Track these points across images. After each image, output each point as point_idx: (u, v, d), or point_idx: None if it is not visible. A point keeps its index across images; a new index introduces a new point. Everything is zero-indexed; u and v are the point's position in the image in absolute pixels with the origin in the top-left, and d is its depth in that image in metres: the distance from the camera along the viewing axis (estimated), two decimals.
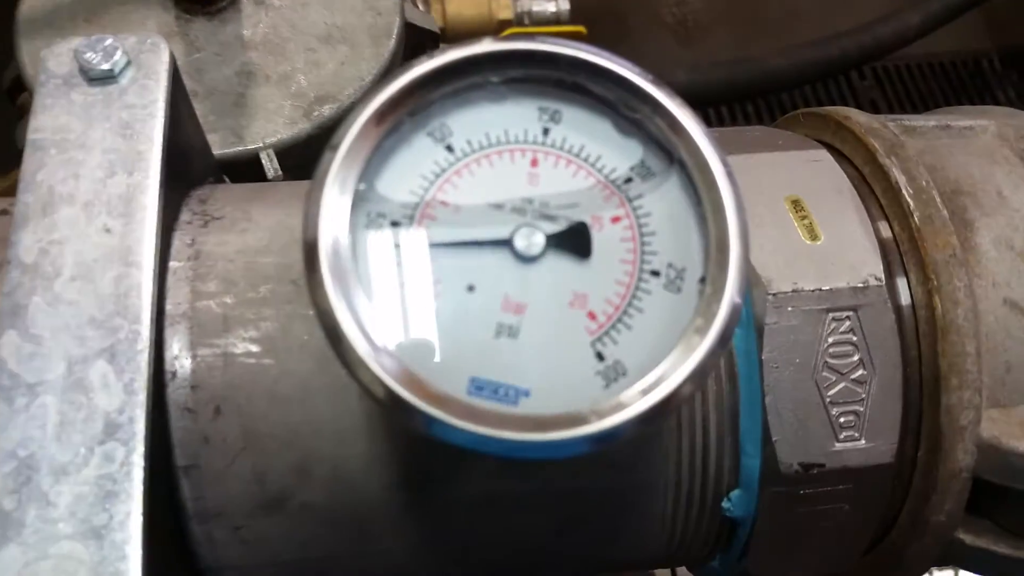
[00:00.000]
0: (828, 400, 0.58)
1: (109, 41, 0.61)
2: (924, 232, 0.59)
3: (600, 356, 0.42)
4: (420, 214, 0.44)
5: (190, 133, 0.68)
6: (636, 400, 0.40)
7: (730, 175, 0.43)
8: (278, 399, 0.55)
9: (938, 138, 0.66)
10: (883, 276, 0.58)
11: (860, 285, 0.58)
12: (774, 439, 0.57)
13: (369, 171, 0.44)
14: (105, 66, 0.61)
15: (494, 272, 0.43)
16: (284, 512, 0.56)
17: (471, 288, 0.43)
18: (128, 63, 0.62)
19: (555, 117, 0.46)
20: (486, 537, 0.59)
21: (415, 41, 0.92)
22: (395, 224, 0.43)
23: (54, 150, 0.59)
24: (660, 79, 0.44)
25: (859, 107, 2.05)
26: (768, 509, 0.59)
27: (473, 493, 0.57)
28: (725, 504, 0.60)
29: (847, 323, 0.58)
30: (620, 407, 0.40)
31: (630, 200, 0.45)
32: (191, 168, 0.67)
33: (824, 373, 0.58)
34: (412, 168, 0.45)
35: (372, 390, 0.39)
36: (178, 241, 0.59)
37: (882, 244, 0.61)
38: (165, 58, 0.62)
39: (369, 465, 0.55)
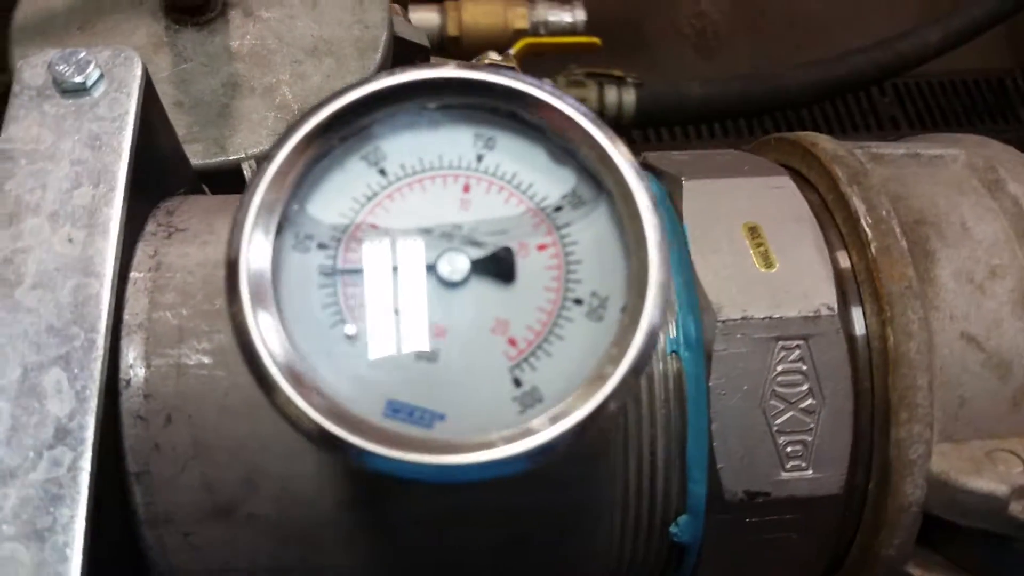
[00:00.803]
0: (775, 429, 0.58)
1: (83, 54, 0.63)
2: (880, 263, 0.59)
3: (517, 382, 0.43)
4: (348, 237, 0.44)
5: (163, 144, 0.69)
6: (544, 427, 0.40)
7: (654, 206, 0.44)
8: (227, 411, 0.56)
9: (906, 166, 0.65)
10: (836, 306, 0.58)
11: (811, 314, 0.58)
12: (719, 466, 0.58)
13: (301, 192, 0.45)
14: (78, 79, 0.62)
15: (417, 298, 0.44)
16: (233, 521, 0.57)
17: (395, 312, 0.43)
18: (101, 76, 0.63)
19: (490, 144, 0.46)
20: (434, 555, 0.60)
21: (405, 54, 0.93)
22: (322, 246, 0.44)
23: (24, 160, 0.60)
24: (592, 112, 0.45)
25: (879, 124, 2.03)
26: (715, 536, 0.59)
27: (420, 511, 0.58)
28: (673, 529, 0.60)
29: (797, 352, 0.58)
30: (528, 434, 0.40)
31: (558, 228, 0.45)
32: (164, 179, 0.68)
33: (772, 401, 0.58)
34: (344, 191, 0.45)
35: (283, 412, 0.40)
36: (141, 252, 0.61)
37: (839, 274, 0.61)
38: (137, 72, 0.64)
39: (319, 482, 0.56)
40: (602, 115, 1.54)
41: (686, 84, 1.72)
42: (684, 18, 2.02)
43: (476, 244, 0.45)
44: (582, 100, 1.61)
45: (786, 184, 0.63)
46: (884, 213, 0.60)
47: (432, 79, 0.45)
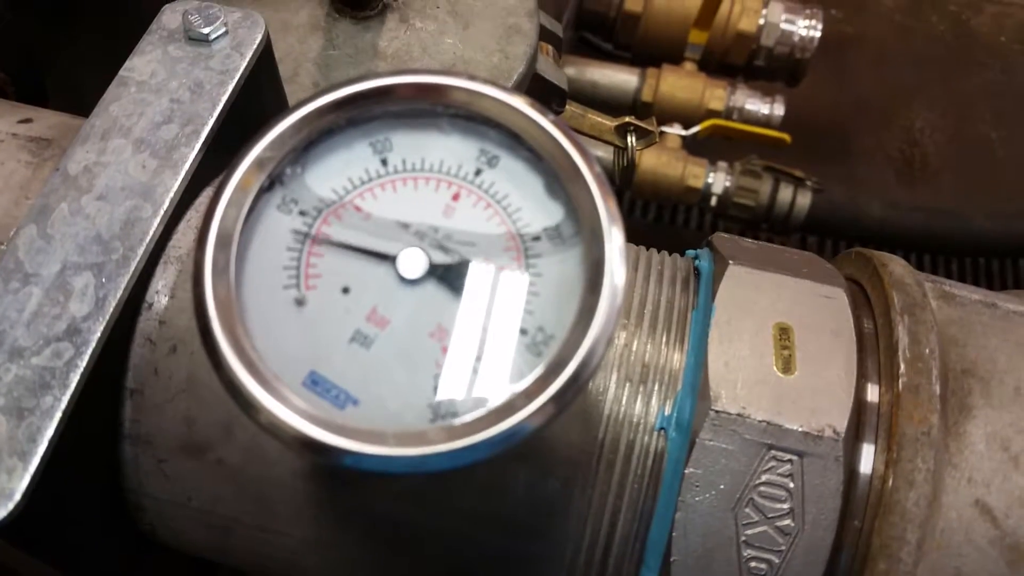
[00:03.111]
0: (743, 539, 0.54)
1: (215, 10, 0.68)
2: (904, 400, 0.55)
3: (437, 391, 0.43)
4: (330, 212, 0.46)
5: (267, 109, 0.74)
6: (439, 441, 0.40)
7: (621, 260, 0.42)
8: None
9: (978, 313, 0.60)
10: (843, 432, 0.54)
11: (814, 433, 0.54)
12: (672, 559, 0.55)
13: (304, 159, 0.47)
14: (204, 30, 0.68)
15: (370, 282, 0.44)
16: (202, 461, 0.60)
17: (345, 290, 0.44)
18: (225, 33, 0.68)
19: (492, 162, 0.47)
20: (377, 558, 0.60)
21: (543, 93, 0.94)
22: (303, 213, 0.46)
23: (134, 88, 0.66)
24: (592, 157, 0.44)
25: None
26: None
27: (370, 512, 0.58)
28: None
29: (788, 467, 0.54)
30: (423, 442, 0.40)
31: (528, 257, 0.45)
32: None
33: (747, 509, 0.54)
34: (343, 170, 0.47)
35: (207, 348, 0.42)
36: (204, 196, 0.65)
37: (862, 403, 0.57)
38: (257, 37, 0.69)
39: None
40: (771, 211, 1.51)
41: (867, 201, 1.66)
42: (895, 141, 1.95)
43: (444, 250, 0.45)
44: (753, 191, 1.59)
45: (838, 296, 0.60)
46: (926, 351, 0.56)
47: (442, 84, 0.46)
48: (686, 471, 0.54)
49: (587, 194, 0.44)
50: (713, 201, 1.49)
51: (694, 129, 1.58)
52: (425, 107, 0.47)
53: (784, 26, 1.61)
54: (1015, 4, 1.93)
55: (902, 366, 0.56)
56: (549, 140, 0.45)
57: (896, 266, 0.61)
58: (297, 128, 0.46)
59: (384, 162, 0.47)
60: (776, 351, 0.57)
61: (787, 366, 0.57)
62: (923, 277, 0.62)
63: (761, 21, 1.62)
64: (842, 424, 0.54)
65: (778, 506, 0.54)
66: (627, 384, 0.57)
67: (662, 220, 1.76)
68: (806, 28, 1.64)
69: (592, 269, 0.43)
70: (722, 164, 1.54)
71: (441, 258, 0.45)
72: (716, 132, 1.58)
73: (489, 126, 0.47)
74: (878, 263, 0.62)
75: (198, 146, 0.64)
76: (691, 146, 1.59)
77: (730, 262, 0.61)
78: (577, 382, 0.41)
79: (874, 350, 0.59)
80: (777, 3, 1.63)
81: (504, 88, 0.46)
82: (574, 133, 0.45)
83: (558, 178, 0.45)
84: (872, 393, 0.57)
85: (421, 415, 0.42)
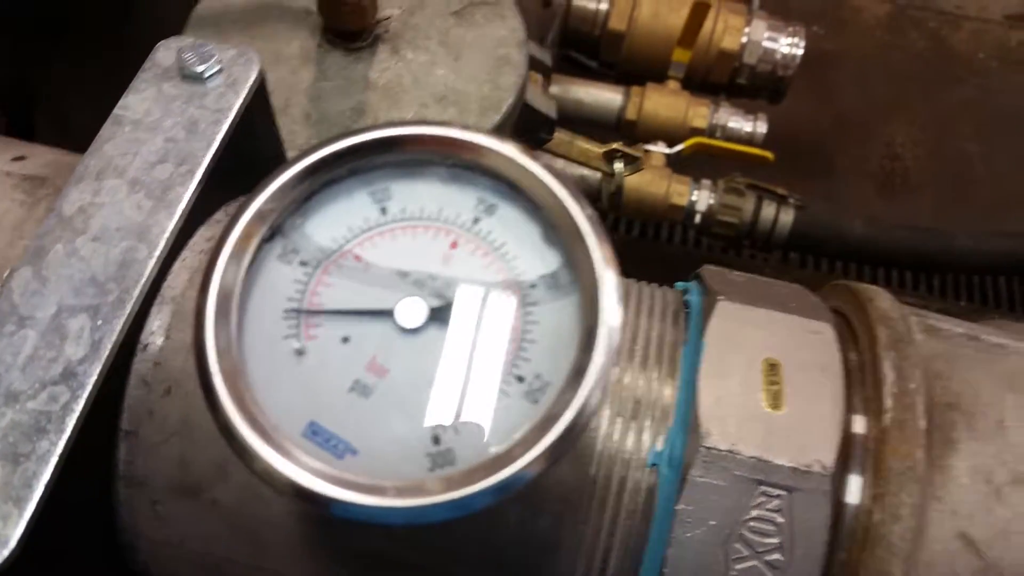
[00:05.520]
0: (732, 573, 0.55)
1: (209, 48, 0.69)
2: (890, 436, 0.56)
3: (436, 440, 0.43)
4: (330, 261, 0.47)
5: (262, 146, 0.74)
6: (437, 492, 0.41)
7: (617, 308, 0.43)
8: None
9: (962, 347, 0.61)
10: (831, 466, 0.55)
11: (802, 468, 0.55)
12: None
13: (305, 209, 0.48)
14: (199, 68, 0.68)
15: (369, 332, 0.45)
16: (197, 501, 0.60)
17: (345, 339, 0.45)
18: (219, 71, 0.69)
19: (490, 210, 0.48)
20: None
21: (532, 121, 0.95)
22: (303, 263, 0.47)
23: (128, 127, 0.67)
24: (586, 204, 0.45)
25: None
26: None
27: (364, 551, 0.59)
28: None
29: (777, 501, 0.55)
30: (421, 493, 0.41)
31: (526, 304, 0.46)
32: (253, 177, 0.73)
33: (737, 545, 0.55)
34: (342, 219, 0.48)
35: (208, 400, 0.43)
36: (200, 235, 0.66)
37: (850, 437, 0.58)
38: (253, 75, 0.69)
39: None
40: (754, 228, 1.52)
41: (850, 219, 1.67)
42: (876, 157, 1.97)
43: (442, 298, 0.46)
44: (737, 209, 1.60)
45: (825, 331, 0.61)
46: (911, 386, 0.57)
47: (441, 136, 0.47)
48: (677, 507, 0.55)
49: (582, 243, 0.45)
50: (697, 219, 1.51)
51: (678, 147, 1.59)
52: (426, 157, 0.48)
53: (766, 44, 1.63)
54: (992, 21, 1.96)
55: (888, 401, 0.57)
56: (544, 189, 0.46)
57: (881, 301, 0.62)
58: (299, 179, 0.47)
59: (384, 211, 0.48)
60: (765, 387, 0.58)
61: (776, 402, 0.58)
62: (908, 311, 0.63)
63: (744, 39, 1.64)
64: (830, 459, 0.55)
65: (767, 540, 0.55)
66: (619, 420, 0.58)
67: (646, 236, 1.78)
68: (788, 46, 1.66)
69: (588, 317, 0.44)
70: (706, 182, 1.55)
71: (439, 306, 0.46)
72: (700, 150, 1.59)
73: (488, 176, 0.48)
74: (864, 298, 0.63)
75: (193, 186, 0.64)
76: (675, 164, 1.60)
77: (720, 297, 0.62)
78: (574, 430, 0.41)
79: (860, 385, 0.60)
80: (760, 21, 1.65)
81: (501, 139, 0.47)
82: (570, 181, 0.46)
83: (554, 226, 0.46)
84: (859, 427, 0.58)
85: (420, 464, 0.43)
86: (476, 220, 0.48)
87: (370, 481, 0.41)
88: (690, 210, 1.51)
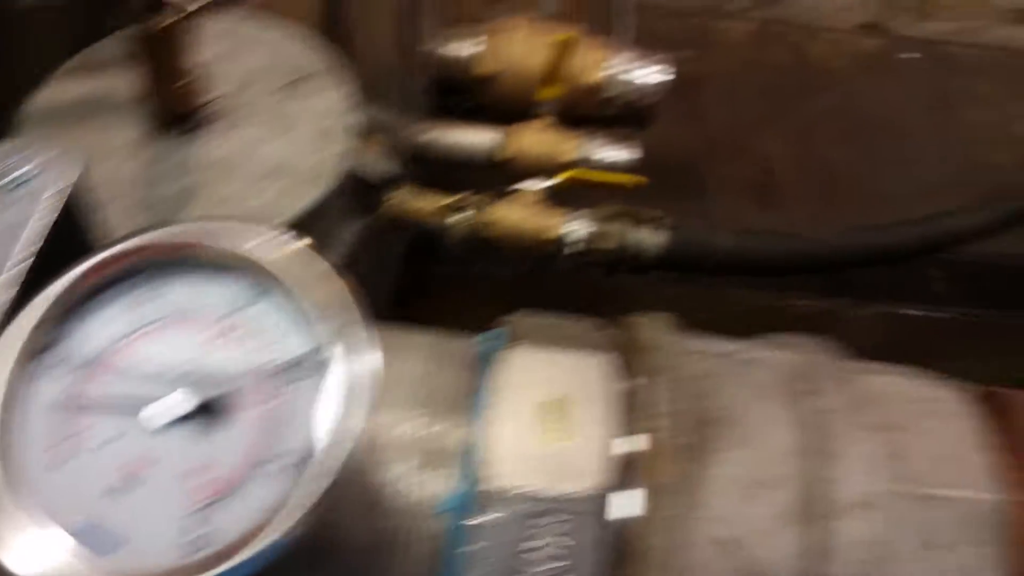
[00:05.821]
0: None
1: (27, 152, 0.72)
2: (660, 454, 0.61)
3: (195, 525, 0.47)
4: (92, 369, 0.51)
5: (84, 238, 0.77)
6: (197, 572, 0.45)
7: (356, 394, 0.48)
8: None
9: (720, 365, 0.68)
10: (602, 488, 0.60)
11: (577, 495, 0.60)
12: None
13: (66, 323, 0.52)
14: (14, 174, 0.72)
15: (128, 432, 0.49)
16: None
17: (105, 442, 0.49)
18: (39, 173, 0.72)
19: (258, 297, 0.52)
20: None
21: (370, 184, 1.01)
22: (69, 368, 0.51)
23: None
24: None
25: (929, 299, 1.97)
26: None
27: None
28: None
29: (557, 527, 0.60)
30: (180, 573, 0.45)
31: (288, 384, 0.50)
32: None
33: None
34: (107, 325, 0.52)
35: None
36: None
37: (629, 459, 0.63)
38: (74, 175, 0.71)
39: None
40: (623, 253, 1.59)
41: (722, 233, 1.74)
42: (748, 171, 2.04)
43: (203, 389, 0.50)
44: (610, 235, 1.66)
45: (603, 364, 0.66)
46: (676, 407, 0.63)
47: (181, 243, 0.52)
48: (464, 550, 0.60)
49: (339, 322, 0.50)
50: (571, 249, 1.56)
51: (550, 182, 1.65)
52: (180, 257, 0.52)
53: (627, 76, 1.70)
54: (845, 31, 2.06)
55: (658, 422, 0.62)
56: (306, 279, 0.51)
57: (649, 329, 0.68)
58: (61, 300, 0.51)
59: (149, 311, 0.52)
60: (546, 425, 0.63)
61: (555, 437, 0.63)
62: (677, 336, 0.69)
63: (606, 72, 1.71)
64: (601, 482, 0.61)
65: (557, 565, 0.60)
66: (409, 471, 0.62)
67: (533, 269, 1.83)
68: (650, 74, 1.72)
69: (345, 390, 0.49)
70: (580, 212, 1.61)
71: (199, 398, 0.50)
72: (575, 183, 1.65)
73: (250, 269, 0.52)
74: (633, 327, 0.69)
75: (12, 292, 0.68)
76: (554, 197, 1.66)
77: (511, 344, 0.67)
78: (330, 493, 0.46)
79: (633, 410, 0.66)
80: (621, 54, 1.72)
81: (262, 232, 0.52)
82: (334, 273, 0.51)
83: (316, 306, 0.51)
84: (634, 449, 0.64)
85: (184, 551, 0.47)
86: (242, 307, 0.52)
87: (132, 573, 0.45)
88: (565, 242, 1.56)
